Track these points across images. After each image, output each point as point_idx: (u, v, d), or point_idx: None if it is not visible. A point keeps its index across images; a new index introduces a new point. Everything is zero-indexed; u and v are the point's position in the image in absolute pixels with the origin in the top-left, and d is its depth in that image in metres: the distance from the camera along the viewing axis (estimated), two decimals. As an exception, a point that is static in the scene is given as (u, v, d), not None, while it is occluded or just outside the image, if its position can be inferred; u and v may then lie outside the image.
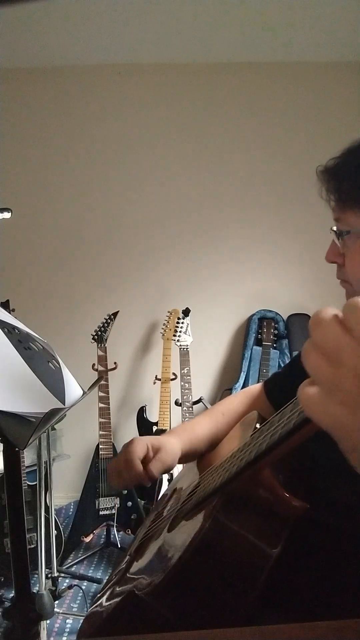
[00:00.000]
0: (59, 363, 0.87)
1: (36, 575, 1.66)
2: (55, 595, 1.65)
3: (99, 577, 2.24)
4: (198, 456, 0.93)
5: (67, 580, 2.17)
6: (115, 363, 2.54)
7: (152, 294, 2.96)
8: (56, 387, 0.78)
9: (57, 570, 1.90)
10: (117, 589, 0.73)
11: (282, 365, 2.81)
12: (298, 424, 0.47)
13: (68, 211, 2.96)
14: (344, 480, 0.39)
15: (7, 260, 2.94)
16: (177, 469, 0.98)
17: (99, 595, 0.81)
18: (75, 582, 2.12)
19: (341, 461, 0.36)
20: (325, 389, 0.33)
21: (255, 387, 1.01)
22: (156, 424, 2.57)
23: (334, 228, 0.74)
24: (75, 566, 2.32)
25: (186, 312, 2.57)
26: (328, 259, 0.76)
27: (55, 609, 1.77)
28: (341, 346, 0.32)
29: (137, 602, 0.60)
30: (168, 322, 2.66)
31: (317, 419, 0.34)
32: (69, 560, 2.32)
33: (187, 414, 2.46)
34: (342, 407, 0.32)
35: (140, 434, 2.62)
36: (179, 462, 0.88)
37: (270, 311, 2.90)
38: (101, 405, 2.44)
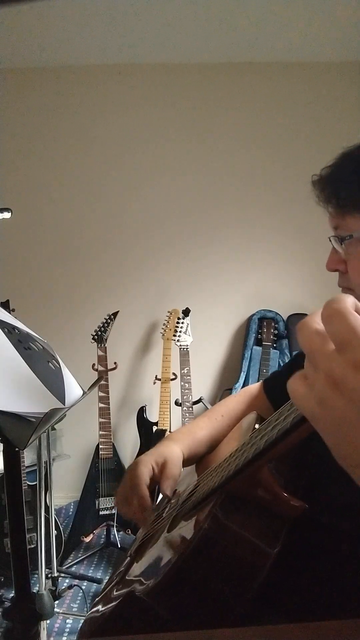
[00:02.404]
0: (59, 363, 0.87)
1: (36, 575, 1.66)
2: (55, 595, 1.66)
3: (99, 577, 2.24)
4: (199, 459, 0.92)
5: (67, 580, 2.17)
6: (115, 363, 2.54)
7: (152, 294, 2.96)
8: (56, 387, 0.78)
9: (57, 570, 1.91)
10: (118, 589, 0.73)
11: (282, 365, 2.81)
12: (295, 423, 0.47)
13: (68, 211, 2.96)
14: (344, 479, 0.39)
15: (7, 260, 2.94)
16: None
17: (99, 596, 0.81)
18: (75, 582, 2.12)
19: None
20: (310, 383, 0.36)
21: (254, 387, 1.01)
22: (156, 424, 2.57)
23: (333, 235, 0.74)
24: (75, 566, 2.32)
25: (186, 312, 2.57)
26: (329, 267, 0.75)
27: (55, 609, 1.77)
28: (315, 350, 0.34)
29: (136, 602, 0.60)
30: (168, 322, 2.66)
31: (301, 412, 0.38)
32: (69, 560, 2.32)
33: (187, 414, 2.46)
34: (315, 403, 0.35)
35: (140, 434, 2.62)
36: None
37: (270, 311, 2.90)
38: (101, 405, 2.44)
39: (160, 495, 0.96)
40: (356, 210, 0.69)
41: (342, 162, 0.72)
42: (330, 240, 0.74)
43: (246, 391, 1.01)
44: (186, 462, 0.88)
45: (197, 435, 0.91)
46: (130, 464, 0.85)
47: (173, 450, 0.85)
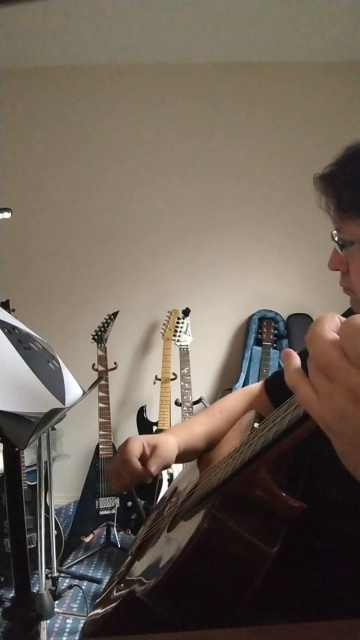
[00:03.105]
0: (59, 363, 0.87)
1: (36, 575, 1.66)
2: (55, 595, 1.66)
3: (99, 577, 2.24)
4: (196, 454, 0.92)
5: (67, 580, 2.17)
6: (115, 363, 2.54)
7: (152, 294, 2.96)
8: (56, 387, 0.78)
9: (57, 570, 1.90)
10: (118, 589, 0.73)
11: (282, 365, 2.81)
12: (292, 424, 0.47)
13: (68, 211, 2.96)
14: (345, 480, 0.39)
15: (7, 260, 2.94)
16: (178, 469, 0.98)
17: (101, 596, 0.81)
18: (75, 582, 2.12)
19: (341, 461, 0.37)
20: (322, 394, 0.36)
21: (255, 386, 1.01)
22: (156, 424, 2.57)
23: (335, 238, 0.72)
24: (75, 566, 2.32)
25: (186, 312, 2.57)
26: (331, 267, 0.74)
27: (55, 609, 1.77)
28: (333, 364, 0.35)
29: (136, 603, 0.60)
30: (168, 322, 2.66)
31: (318, 421, 0.38)
32: (69, 560, 2.32)
33: (187, 414, 2.46)
34: (334, 414, 0.35)
35: (140, 434, 2.61)
36: (178, 461, 0.88)
37: (270, 311, 2.90)
38: (101, 405, 2.44)
39: (163, 489, 0.96)
40: (358, 215, 0.67)
41: (346, 163, 0.70)
42: (332, 238, 0.73)
43: (246, 390, 1.01)
44: (181, 455, 0.88)
45: (194, 430, 0.92)
46: (122, 443, 0.86)
47: (167, 439, 0.86)
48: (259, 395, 0.98)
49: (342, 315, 0.38)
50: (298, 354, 0.41)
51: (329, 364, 0.35)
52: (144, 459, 0.82)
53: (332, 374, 0.35)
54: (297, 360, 0.40)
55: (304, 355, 0.39)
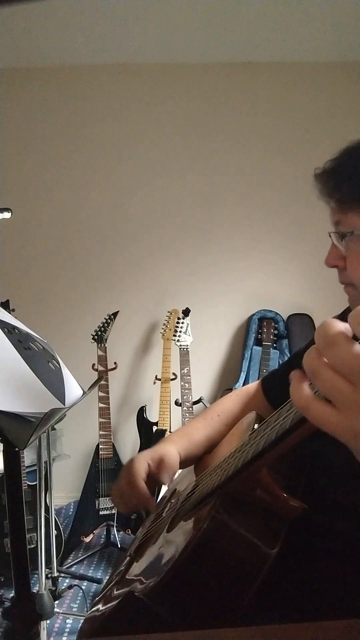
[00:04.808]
0: (59, 363, 0.87)
1: (36, 575, 1.66)
2: (55, 595, 1.66)
3: (99, 577, 2.24)
4: (196, 460, 0.92)
5: (67, 580, 2.17)
6: (115, 363, 2.54)
7: (152, 294, 2.96)
8: (56, 387, 0.78)
9: (57, 570, 1.91)
10: (117, 589, 0.73)
11: (281, 364, 2.81)
12: (294, 424, 0.47)
13: (68, 211, 2.96)
14: (344, 480, 0.39)
15: (7, 260, 2.94)
16: (177, 470, 0.98)
17: (99, 596, 0.81)
18: (75, 582, 2.12)
19: (341, 462, 0.37)
20: (345, 406, 0.34)
21: (251, 386, 1.01)
22: (156, 424, 2.57)
23: (334, 231, 0.73)
24: (75, 566, 2.32)
25: (186, 312, 2.57)
26: (328, 263, 0.75)
27: (55, 609, 1.77)
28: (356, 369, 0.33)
29: (136, 602, 0.60)
30: (168, 322, 2.66)
31: (339, 435, 0.35)
32: (69, 560, 2.32)
33: (187, 414, 2.46)
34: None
35: (140, 434, 2.62)
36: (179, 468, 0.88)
37: (270, 311, 2.90)
38: (101, 405, 2.44)
39: (163, 490, 0.96)
40: (358, 206, 0.68)
41: (346, 156, 0.72)
42: (330, 236, 0.74)
43: (243, 391, 1.01)
44: (183, 464, 0.88)
45: (193, 437, 0.91)
46: (126, 462, 0.85)
47: (169, 450, 0.86)
48: (256, 395, 0.98)
49: (339, 315, 0.37)
50: (297, 352, 0.41)
51: (355, 369, 0.33)
52: (150, 476, 0.82)
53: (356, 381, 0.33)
54: (305, 383, 0.38)
55: (302, 355, 0.39)
